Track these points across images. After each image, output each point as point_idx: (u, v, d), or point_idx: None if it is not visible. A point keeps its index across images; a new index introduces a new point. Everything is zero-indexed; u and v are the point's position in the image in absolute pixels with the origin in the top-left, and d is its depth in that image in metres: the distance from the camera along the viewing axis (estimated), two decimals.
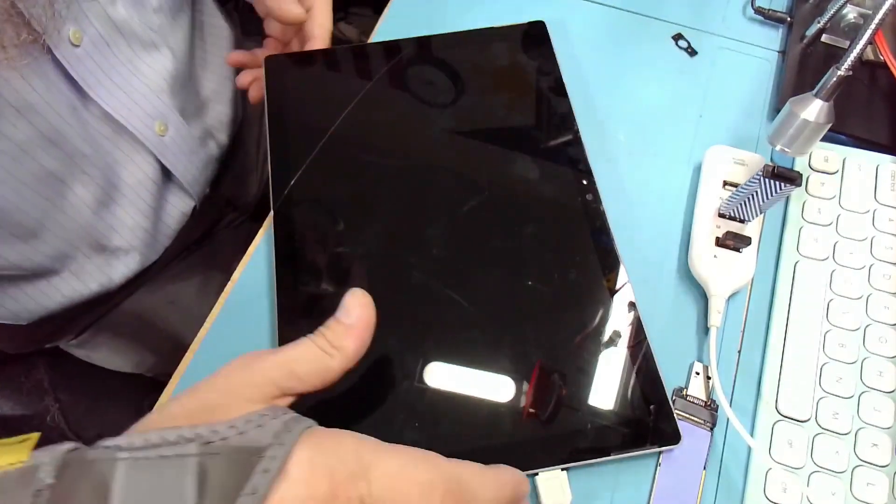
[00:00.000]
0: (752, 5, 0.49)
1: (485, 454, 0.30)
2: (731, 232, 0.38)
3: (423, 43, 0.46)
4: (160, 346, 0.56)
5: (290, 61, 0.46)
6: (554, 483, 0.33)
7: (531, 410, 0.34)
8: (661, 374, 0.35)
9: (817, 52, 0.46)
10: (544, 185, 0.41)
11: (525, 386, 0.35)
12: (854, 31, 0.42)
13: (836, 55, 0.38)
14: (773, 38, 0.49)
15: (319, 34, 0.45)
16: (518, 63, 0.46)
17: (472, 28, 0.47)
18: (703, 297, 0.39)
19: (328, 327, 0.27)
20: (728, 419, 0.35)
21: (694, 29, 0.49)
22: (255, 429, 0.22)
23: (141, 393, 0.56)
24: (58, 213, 0.42)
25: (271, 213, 0.40)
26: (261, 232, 0.42)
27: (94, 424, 0.55)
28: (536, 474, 0.33)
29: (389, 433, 0.31)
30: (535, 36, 0.47)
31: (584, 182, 0.40)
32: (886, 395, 0.35)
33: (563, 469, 0.33)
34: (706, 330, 0.37)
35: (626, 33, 0.48)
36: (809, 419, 0.35)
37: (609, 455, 0.33)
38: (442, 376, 0.35)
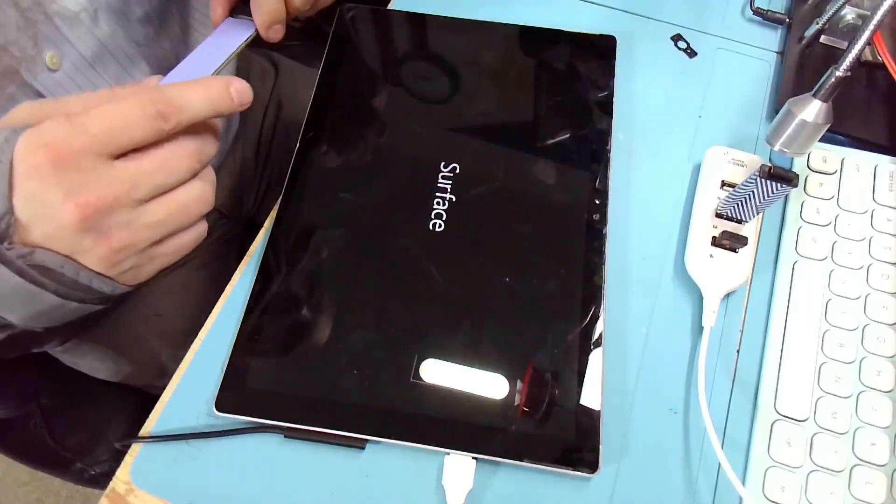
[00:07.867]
0: (751, 6, 0.49)
1: (407, 420, 0.34)
2: (728, 232, 0.39)
3: (487, 28, 0.48)
4: (144, 357, 0.56)
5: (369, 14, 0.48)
6: (460, 467, 0.34)
7: (466, 391, 0.35)
8: (601, 402, 0.35)
9: (816, 53, 0.46)
10: (555, 194, 0.41)
11: (472, 373, 0.36)
12: (852, 32, 0.42)
13: (834, 56, 0.38)
14: (771, 38, 0.49)
15: None
16: (576, 70, 0.46)
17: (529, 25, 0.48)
18: (699, 297, 0.39)
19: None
20: (703, 416, 0.35)
21: (693, 30, 0.49)
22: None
23: (123, 403, 0.55)
24: None
25: (266, 223, 0.40)
26: (255, 243, 0.41)
27: (75, 432, 0.55)
28: (448, 454, 0.34)
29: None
30: (602, 49, 0.47)
31: (597, 202, 0.41)
32: (884, 395, 0.36)
33: (473, 458, 0.34)
34: (701, 329, 0.38)
35: (626, 34, 0.48)
36: (808, 419, 0.35)
37: (522, 461, 0.33)
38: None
